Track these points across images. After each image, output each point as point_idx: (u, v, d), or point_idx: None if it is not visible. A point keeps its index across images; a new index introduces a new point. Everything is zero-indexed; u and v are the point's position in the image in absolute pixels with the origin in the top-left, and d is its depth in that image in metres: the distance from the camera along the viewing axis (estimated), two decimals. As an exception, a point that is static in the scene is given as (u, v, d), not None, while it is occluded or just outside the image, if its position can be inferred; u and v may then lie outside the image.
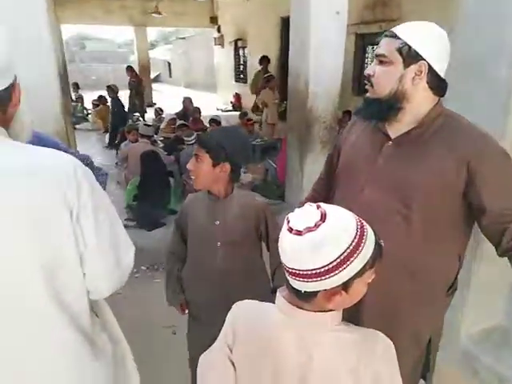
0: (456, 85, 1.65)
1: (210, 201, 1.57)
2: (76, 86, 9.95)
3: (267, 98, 6.95)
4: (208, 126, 6.40)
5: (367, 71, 1.27)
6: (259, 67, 7.99)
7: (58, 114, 2.94)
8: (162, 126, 7.00)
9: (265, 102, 6.88)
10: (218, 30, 12.81)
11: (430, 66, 1.18)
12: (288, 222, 0.80)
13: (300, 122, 4.00)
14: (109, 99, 7.94)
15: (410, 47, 1.17)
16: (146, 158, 4.34)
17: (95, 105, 8.97)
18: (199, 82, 20.01)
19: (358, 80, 7.26)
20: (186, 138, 5.61)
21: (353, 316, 1.05)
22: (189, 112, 7.36)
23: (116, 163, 5.68)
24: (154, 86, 22.08)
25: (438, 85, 1.23)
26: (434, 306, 1.35)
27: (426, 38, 1.19)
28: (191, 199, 1.68)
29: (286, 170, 4.46)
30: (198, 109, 7.22)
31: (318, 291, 0.79)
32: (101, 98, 8.73)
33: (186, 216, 1.65)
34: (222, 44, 12.85)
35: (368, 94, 1.30)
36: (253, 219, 1.56)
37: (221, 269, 1.54)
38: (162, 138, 6.32)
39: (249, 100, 10.52)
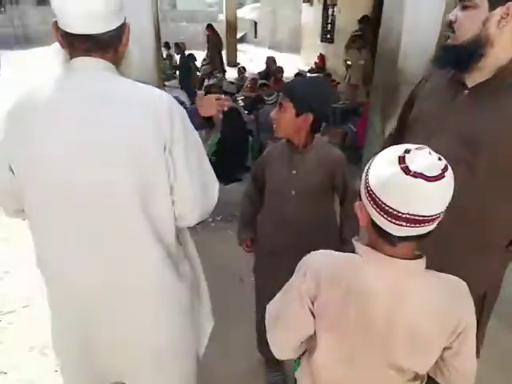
0: None
1: (289, 151, 1.60)
2: (167, 45, 10.33)
3: (352, 58, 6.62)
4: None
5: (450, 17, 1.20)
6: (348, 26, 7.58)
7: (151, 68, 3.12)
8: (246, 85, 7.05)
9: (347, 63, 6.60)
10: (308, -13, 12.30)
11: None
12: (406, 167, 0.76)
13: (387, 82, 3.78)
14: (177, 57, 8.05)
15: None
16: (228, 114, 4.44)
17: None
18: (284, 42, 19.58)
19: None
20: (266, 98, 5.62)
21: None
22: (271, 71, 7.29)
23: (199, 119, 5.91)
24: (239, 46, 22.12)
25: None
26: (490, 257, 1.31)
27: None
28: (271, 149, 1.73)
29: (367, 134, 4.29)
30: (281, 68, 7.10)
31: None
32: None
33: (264, 165, 1.69)
34: (310, 2, 12.33)
35: (449, 41, 1.23)
36: (329, 170, 1.57)
37: (294, 217, 1.59)
38: (242, 97, 6.40)
39: (333, 61, 10.12)
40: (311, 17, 12.73)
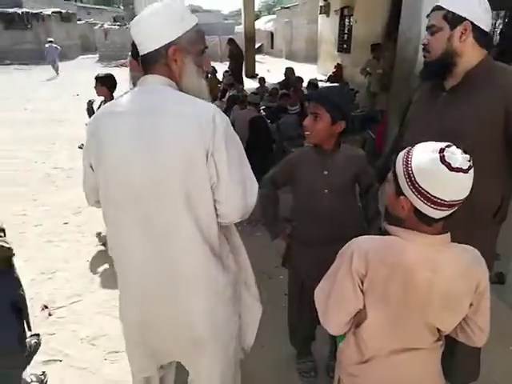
0: None
1: (319, 154, 1.76)
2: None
3: (371, 67, 6.78)
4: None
5: (423, 42, 1.57)
6: (365, 36, 7.74)
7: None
8: (266, 95, 7.24)
9: (367, 71, 6.76)
10: (325, -2, 12.54)
11: (473, 25, 1.45)
12: (449, 165, 0.95)
13: (405, 89, 3.91)
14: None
15: (453, 13, 1.45)
16: (254, 123, 4.65)
17: (203, 75, 9.57)
18: (300, 52, 19.85)
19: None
20: (289, 108, 5.80)
21: None
22: (291, 82, 7.47)
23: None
24: (257, 57, 22.45)
25: (484, 39, 1.49)
26: (480, 228, 1.56)
27: (465, 2, 1.46)
28: (297, 154, 1.88)
29: (386, 140, 4.43)
30: (301, 79, 7.28)
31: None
32: (211, 68, 9.28)
33: (292, 169, 1.83)
34: (327, 13, 12.57)
35: (426, 60, 1.58)
36: (354, 168, 1.76)
37: (327, 211, 1.75)
38: (263, 107, 6.58)
39: (351, 70, 10.27)
40: (328, 27, 12.95)
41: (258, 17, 34.49)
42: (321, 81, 11.45)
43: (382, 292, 1.08)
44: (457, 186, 0.97)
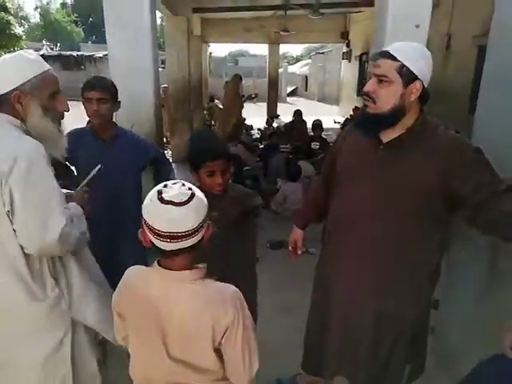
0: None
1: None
2: (211, 99, 11.34)
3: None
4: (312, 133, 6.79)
5: (367, 88, 1.41)
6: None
7: (152, 121, 3.67)
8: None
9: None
10: (347, 45, 12.97)
11: (422, 84, 1.37)
12: (162, 198, 0.99)
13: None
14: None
15: (408, 68, 1.34)
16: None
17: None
18: (332, 95, 20.29)
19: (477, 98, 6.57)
20: (281, 146, 6.11)
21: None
22: (295, 123, 7.82)
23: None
24: (290, 99, 23.20)
25: (426, 98, 1.42)
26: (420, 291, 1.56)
27: (418, 58, 1.37)
28: None
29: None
30: (304, 121, 7.72)
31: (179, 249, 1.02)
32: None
33: None
34: (349, 59, 12.97)
35: (368, 109, 1.42)
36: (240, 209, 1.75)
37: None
38: (261, 146, 6.83)
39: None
40: (349, 72, 13.31)
41: (298, 60, 35.94)
42: (338, 122, 11.71)
43: (133, 321, 1.14)
44: (170, 218, 0.98)
